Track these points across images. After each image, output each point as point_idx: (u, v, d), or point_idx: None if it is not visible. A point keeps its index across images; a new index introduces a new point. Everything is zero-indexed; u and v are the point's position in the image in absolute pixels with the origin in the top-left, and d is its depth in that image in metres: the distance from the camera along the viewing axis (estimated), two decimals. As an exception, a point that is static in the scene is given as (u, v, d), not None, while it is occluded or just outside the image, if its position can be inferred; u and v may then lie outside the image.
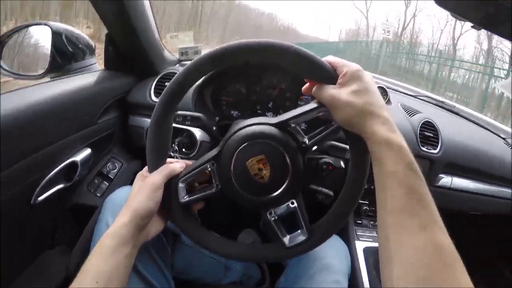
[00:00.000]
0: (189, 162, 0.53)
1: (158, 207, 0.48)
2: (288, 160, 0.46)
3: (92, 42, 1.04)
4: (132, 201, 0.47)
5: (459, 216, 1.12)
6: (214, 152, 0.49)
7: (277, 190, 0.47)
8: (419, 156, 0.92)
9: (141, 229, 0.47)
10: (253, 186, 0.46)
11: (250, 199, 0.47)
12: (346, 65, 0.44)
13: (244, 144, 0.46)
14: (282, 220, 0.50)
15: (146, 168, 0.51)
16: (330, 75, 0.44)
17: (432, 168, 0.94)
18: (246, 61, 0.45)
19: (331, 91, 0.43)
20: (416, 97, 1.12)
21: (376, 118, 0.40)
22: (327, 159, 0.61)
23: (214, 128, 0.68)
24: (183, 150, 0.83)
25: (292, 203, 0.49)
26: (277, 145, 0.46)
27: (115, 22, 0.90)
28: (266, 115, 0.90)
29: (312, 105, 0.47)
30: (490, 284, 1.33)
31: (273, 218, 0.49)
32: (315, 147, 0.50)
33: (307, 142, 0.48)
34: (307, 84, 0.49)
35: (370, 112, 0.40)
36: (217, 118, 0.91)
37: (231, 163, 0.46)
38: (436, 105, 1.13)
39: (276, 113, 0.89)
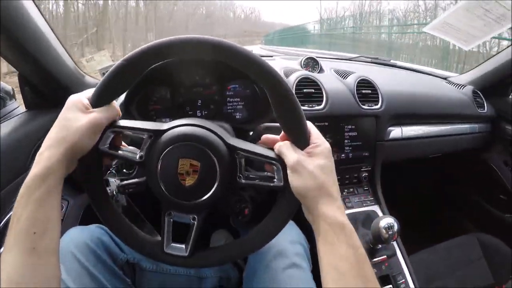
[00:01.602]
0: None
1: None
2: (216, 183, 0.45)
3: (9, 87, 0.98)
4: (69, 135, 0.40)
5: (422, 161, 1.15)
6: (158, 127, 0.47)
7: (190, 200, 0.45)
8: (362, 115, 0.92)
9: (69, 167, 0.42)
10: (172, 181, 0.45)
11: (160, 189, 0.45)
12: (321, 139, 0.44)
13: (191, 143, 0.44)
14: (176, 225, 0.49)
15: (85, 95, 0.45)
16: (304, 140, 0.44)
17: (378, 123, 0.95)
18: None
19: (299, 155, 0.42)
20: (349, 60, 1.13)
21: (333, 201, 0.40)
22: (247, 200, 0.60)
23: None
24: (124, 171, 0.79)
25: (194, 218, 0.48)
26: (217, 165, 0.44)
27: (19, 62, 0.84)
28: (197, 115, 0.87)
29: (271, 153, 0.46)
30: (474, 218, 1.37)
31: (171, 219, 0.48)
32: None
33: (241, 180, 0.47)
34: (268, 135, 0.49)
35: (329, 192, 0.41)
36: None
37: (167, 148, 0.44)
38: (371, 62, 1.14)
39: (206, 110, 0.86)
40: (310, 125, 0.45)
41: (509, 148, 1.29)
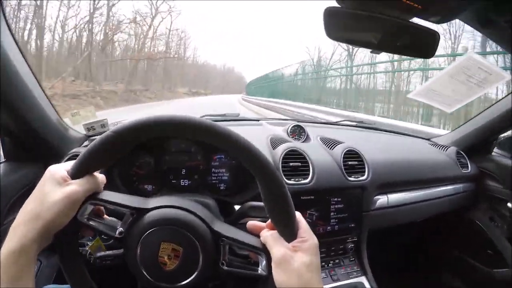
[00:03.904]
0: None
1: None
2: (197, 269, 0.43)
3: None
4: (44, 212, 0.38)
5: (409, 226, 1.14)
6: (141, 204, 0.45)
7: (168, 283, 0.44)
8: (348, 187, 0.92)
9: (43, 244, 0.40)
10: (151, 264, 0.43)
11: (139, 270, 0.44)
12: (309, 233, 0.43)
13: (174, 227, 0.43)
14: None
15: (65, 166, 0.44)
16: (292, 234, 0.43)
17: (365, 194, 0.95)
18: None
19: (285, 250, 0.41)
20: (335, 124, 1.14)
21: None
22: (228, 285, 0.58)
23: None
24: (103, 236, 0.76)
25: None
26: (200, 251, 0.43)
27: (2, 111, 0.81)
28: (181, 184, 0.85)
29: (257, 242, 0.45)
30: (463, 276, 1.36)
31: None
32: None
33: (224, 267, 0.45)
34: (254, 222, 0.48)
35: None
36: None
37: (150, 229, 0.43)
38: (356, 126, 1.16)
39: (190, 179, 0.85)
40: (299, 217, 0.44)
41: (493, 204, 1.31)
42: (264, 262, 0.44)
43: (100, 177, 0.46)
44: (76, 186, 0.41)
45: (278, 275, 0.41)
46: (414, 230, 1.29)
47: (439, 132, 1.32)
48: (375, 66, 8.85)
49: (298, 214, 0.45)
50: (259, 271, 0.44)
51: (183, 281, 0.43)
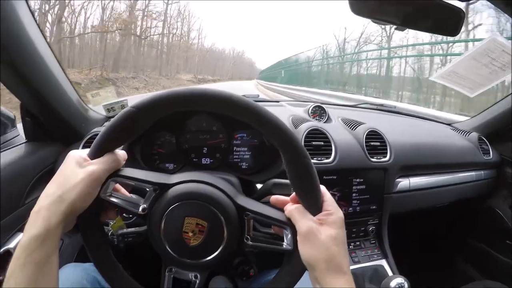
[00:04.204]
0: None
1: None
2: (222, 244, 0.43)
3: (11, 113, 0.96)
4: (66, 193, 0.38)
5: (428, 211, 1.12)
6: (164, 180, 0.45)
7: (193, 259, 0.43)
8: (370, 168, 0.90)
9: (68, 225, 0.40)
10: (176, 239, 0.43)
11: (163, 246, 0.43)
12: (335, 207, 0.43)
13: (198, 201, 0.43)
14: (175, 281, 0.46)
15: (84, 150, 0.43)
16: (316, 206, 0.42)
17: (387, 176, 0.93)
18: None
19: (311, 223, 0.40)
20: (355, 107, 1.12)
21: (342, 274, 0.39)
22: (252, 261, 0.57)
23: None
24: (124, 214, 0.76)
25: (196, 276, 0.45)
26: (224, 225, 0.43)
27: (22, 92, 0.82)
28: (202, 162, 0.84)
29: (281, 216, 0.44)
30: (481, 265, 1.34)
31: (171, 275, 0.46)
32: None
33: (248, 241, 0.45)
34: (278, 197, 0.47)
35: (339, 265, 0.39)
36: None
37: (174, 204, 0.42)
38: (376, 109, 1.13)
39: (212, 158, 0.84)
40: (324, 190, 0.44)
41: (514, 192, 1.28)
42: (289, 236, 0.43)
43: (121, 153, 0.45)
44: (96, 165, 0.40)
45: (304, 248, 0.40)
46: (434, 216, 1.27)
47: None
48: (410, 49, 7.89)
49: (323, 188, 0.44)
50: (284, 246, 0.44)
51: (208, 256, 0.43)
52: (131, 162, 0.86)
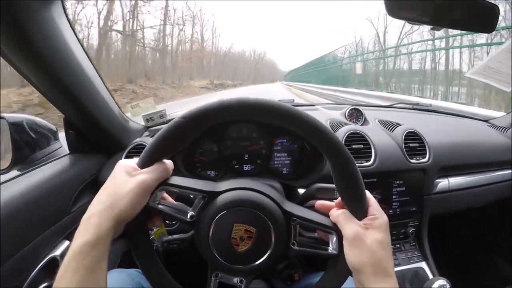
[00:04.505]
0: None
1: None
2: (269, 249, 0.44)
3: (53, 126, 0.99)
4: (118, 201, 0.39)
5: (467, 212, 1.10)
6: (212, 188, 0.46)
7: (240, 265, 0.44)
8: (410, 170, 0.89)
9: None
10: (224, 245, 0.44)
11: (211, 252, 0.44)
12: (379, 211, 0.43)
13: (247, 208, 0.44)
14: (220, 285, 0.47)
15: (132, 160, 0.44)
16: (362, 210, 0.43)
17: (426, 177, 0.91)
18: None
19: (357, 228, 0.41)
20: (390, 107, 1.10)
21: (388, 278, 0.39)
22: (296, 264, 0.58)
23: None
24: (166, 221, 0.78)
25: (241, 281, 0.46)
26: (272, 231, 0.43)
27: (67, 106, 0.84)
28: (244, 169, 0.85)
29: (327, 221, 0.45)
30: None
31: (217, 280, 0.46)
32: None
33: (295, 247, 0.45)
34: (323, 202, 0.48)
35: (385, 269, 0.40)
36: None
37: (222, 211, 0.43)
38: (412, 109, 1.11)
39: (253, 164, 0.85)
40: (369, 195, 0.44)
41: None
42: (334, 240, 0.44)
43: (169, 163, 0.46)
44: (146, 175, 0.41)
45: (351, 253, 0.41)
46: (472, 216, 1.24)
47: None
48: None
49: (367, 192, 0.44)
50: (329, 250, 0.44)
51: (255, 261, 0.43)
52: (174, 170, 0.88)
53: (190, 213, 0.44)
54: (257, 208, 0.43)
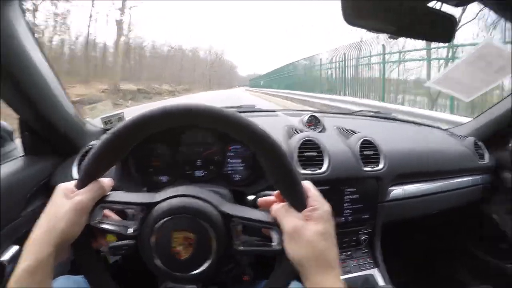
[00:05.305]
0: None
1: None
2: (212, 253, 0.43)
3: (11, 128, 0.97)
4: (56, 224, 0.40)
5: (423, 218, 1.12)
6: (149, 199, 0.46)
7: (187, 272, 0.44)
8: (363, 177, 0.89)
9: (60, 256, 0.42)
10: (167, 255, 0.44)
11: (155, 263, 0.44)
12: (320, 201, 0.42)
13: (183, 215, 0.43)
14: None
15: (72, 182, 0.45)
16: (301, 203, 0.42)
17: (380, 185, 0.91)
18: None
19: (296, 221, 0.40)
20: (352, 115, 1.10)
21: (331, 270, 0.39)
22: (245, 265, 0.57)
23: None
24: None
25: None
26: (212, 235, 0.43)
27: (20, 107, 0.82)
28: (196, 175, 0.83)
29: (267, 217, 0.44)
30: (471, 269, 1.34)
31: None
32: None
33: (238, 247, 0.45)
34: (265, 198, 0.48)
35: (327, 261, 0.39)
36: (145, 189, 0.84)
37: (159, 221, 0.43)
38: (373, 117, 1.11)
39: (206, 170, 0.83)
40: (308, 185, 0.44)
41: (510, 197, 1.27)
42: (277, 236, 0.43)
43: (106, 180, 0.46)
44: (82, 195, 0.42)
45: (290, 248, 0.40)
46: (428, 223, 1.26)
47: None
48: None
49: (307, 183, 0.44)
50: (273, 246, 0.44)
51: (200, 267, 0.43)
52: (126, 176, 0.85)
53: (131, 228, 0.45)
54: (192, 213, 0.43)
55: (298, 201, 0.42)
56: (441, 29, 0.82)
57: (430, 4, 0.77)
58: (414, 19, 0.79)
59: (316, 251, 0.38)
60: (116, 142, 0.43)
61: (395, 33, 0.82)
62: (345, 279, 0.90)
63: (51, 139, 0.92)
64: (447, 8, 0.79)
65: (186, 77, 36.56)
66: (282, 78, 19.09)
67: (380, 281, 0.94)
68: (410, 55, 7.62)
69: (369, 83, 8.45)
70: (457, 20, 0.80)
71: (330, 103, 7.36)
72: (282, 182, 0.43)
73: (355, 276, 0.92)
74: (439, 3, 0.79)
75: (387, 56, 7.78)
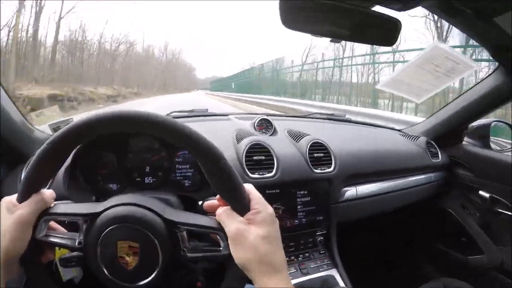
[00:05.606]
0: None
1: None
2: (159, 261, 0.43)
3: None
4: (1, 239, 0.39)
5: (380, 216, 1.15)
6: (92, 209, 0.45)
7: (135, 282, 0.44)
8: (314, 180, 0.91)
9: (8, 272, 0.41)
10: (114, 265, 0.43)
11: (104, 274, 0.43)
12: (262, 204, 0.42)
13: (126, 224, 0.43)
14: None
15: (14, 196, 0.44)
16: (243, 206, 0.42)
17: (332, 186, 0.94)
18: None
19: (239, 225, 0.40)
20: (304, 117, 1.13)
21: (275, 273, 0.39)
22: (197, 272, 0.57)
23: None
24: None
25: None
26: (157, 243, 0.43)
27: None
28: (145, 182, 0.83)
29: (212, 222, 0.44)
30: (438, 265, 1.38)
31: None
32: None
33: (186, 254, 0.45)
34: (209, 202, 0.48)
35: (272, 263, 0.39)
36: (93, 198, 0.82)
37: (104, 231, 0.43)
38: (326, 119, 1.15)
39: (155, 177, 0.83)
40: (250, 188, 0.44)
41: (465, 192, 1.33)
42: (225, 241, 0.43)
43: (48, 192, 0.46)
44: (23, 209, 0.41)
45: (235, 251, 0.40)
46: (386, 221, 1.30)
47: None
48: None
49: (249, 186, 0.44)
50: (221, 251, 0.44)
51: (148, 276, 0.43)
52: (74, 185, 0.84)
53: (78, 240, 0.44)
54: (134, 222, 0.43)
55: (239, 205, 0.43)
56: (385, 33, 0.86)
57: (375, 9, 0.81)
58: (357, 23, 0.83)
59: (260, 254, 0.39)
60: (52, 153, 0.43)
61: (337, 37, 0.85)
62: (304, 281, 0.90)
63: None
64: (391, 12, 0.83)
65: (136, 78, 30.48)
66: (250, 81, 19.33)
67: (340, 281, 0.95)
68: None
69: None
70: (401, 23, 0.85)
71: (307, 108, 7.65)
72: (222, 186, 0.43)
73: (314, 278, 0.92)
74: (384, 8, 0.83)
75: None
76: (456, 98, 1.30)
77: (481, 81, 1.18)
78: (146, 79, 34.40)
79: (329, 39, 0.87)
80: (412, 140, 1.24)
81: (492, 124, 1.31)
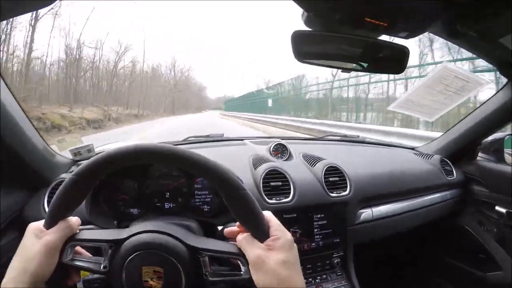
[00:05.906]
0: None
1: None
2: (182, 286, 0.46)
3: None
4: (28, 265, 0.41)
5: (398, 236, 1.15)
6: (117, 236, 0.48)
7: None
8: (330, 203, 0.93)
9: None
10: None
11: None
12: (281, 230, 0.44)
13: (151, 251, 0.46)
14: None
15: (41, 222, 0.47)
16: (263, 233, 0.44)
17: (348, 209, 0.96)
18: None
19: (259, 251, 0.43)
20: (318, 140, 1.16)
21: None
22: None
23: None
24: None
25: None
26: (180, 268, 0.45)
27: None
28: (165, 207, 0.86)
29: (233, 248, 0.47)
30: (457, 282, 1.37)
31: None
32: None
33: (208, 278, 0.47)
34: (230, 229, 0.50)
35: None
36: (115, 222, 0.86)
37: (129, 257, 0.45)
38: (340, 141, 1.17)
39: (174, 202, 0.86)
40: (269, 215, 0.46)
41: (481, 208, 1.32)
42: (246, 265, 0.45)
43: (74, 219, 0.49)
44: (50, 235, 0.44)
45: (256, 277, 0.42)
46: (403, 240, 1.30)
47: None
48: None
49: (268, 213, 0.47)
50: (242, 275, 0.46)
51: None
52: (96, 210, 0.88)
53: (103, 264, 0.46)
54: (159, 248, 0.45)
55: (259, 232, 0.45)
56: (394, 60, 0.89)
57: (382, 38, 0.84)
58: (366, 54, 0.86)
59: (280, 279, 0.41)
60: (79, 183, 0.46)
61: (347, 68, 0.88)
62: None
63: (21, 173, 0.93)
64: (398, 40, 0.86)
65: (138, 98, 26.78)
66: (277, 99, 18.98)
67: (357, 302, 0.96)
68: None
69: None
70: (408, 50, 0.87)
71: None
72: (242, 214, 0.45)
73: None
74: (391, 36, 0.86)
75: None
76: (468, 115, 1.31)
77: (491, 96, 1.18)
78: (151, 98, 30.92)
79: (340, 70, 0.91)
80: (426, 158, 1.25)
81: (506, 138, 1.30)
